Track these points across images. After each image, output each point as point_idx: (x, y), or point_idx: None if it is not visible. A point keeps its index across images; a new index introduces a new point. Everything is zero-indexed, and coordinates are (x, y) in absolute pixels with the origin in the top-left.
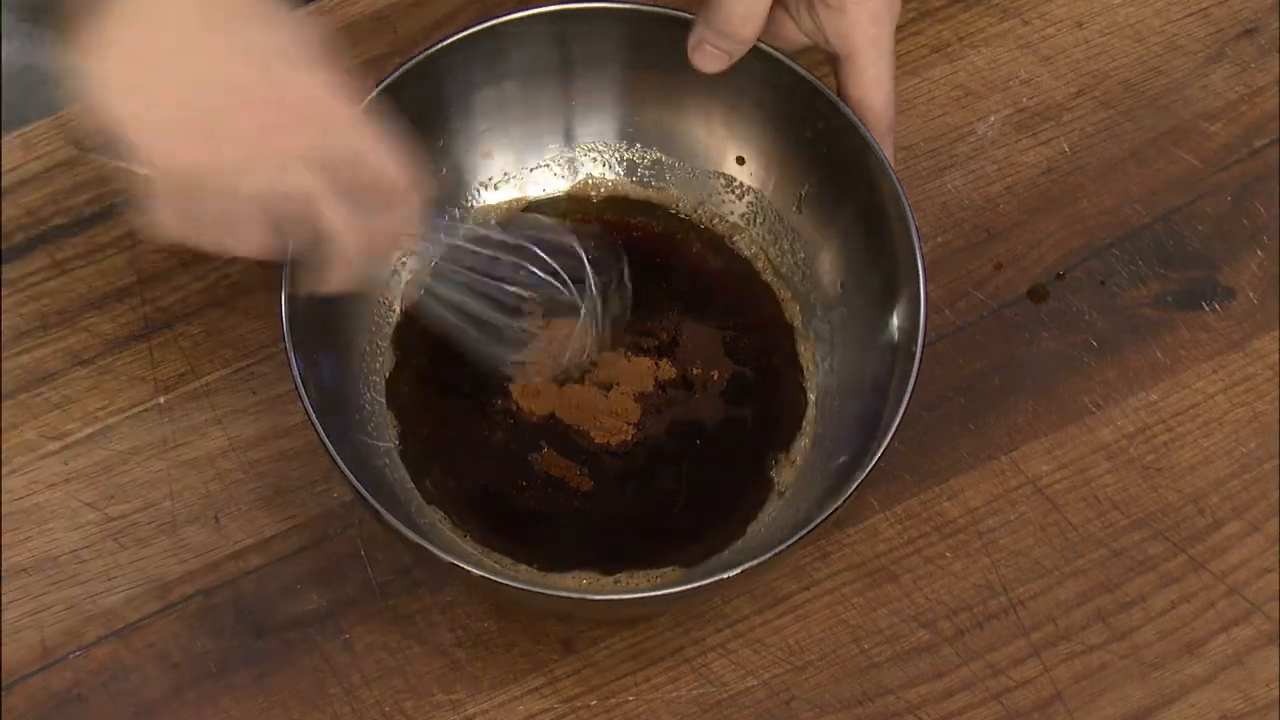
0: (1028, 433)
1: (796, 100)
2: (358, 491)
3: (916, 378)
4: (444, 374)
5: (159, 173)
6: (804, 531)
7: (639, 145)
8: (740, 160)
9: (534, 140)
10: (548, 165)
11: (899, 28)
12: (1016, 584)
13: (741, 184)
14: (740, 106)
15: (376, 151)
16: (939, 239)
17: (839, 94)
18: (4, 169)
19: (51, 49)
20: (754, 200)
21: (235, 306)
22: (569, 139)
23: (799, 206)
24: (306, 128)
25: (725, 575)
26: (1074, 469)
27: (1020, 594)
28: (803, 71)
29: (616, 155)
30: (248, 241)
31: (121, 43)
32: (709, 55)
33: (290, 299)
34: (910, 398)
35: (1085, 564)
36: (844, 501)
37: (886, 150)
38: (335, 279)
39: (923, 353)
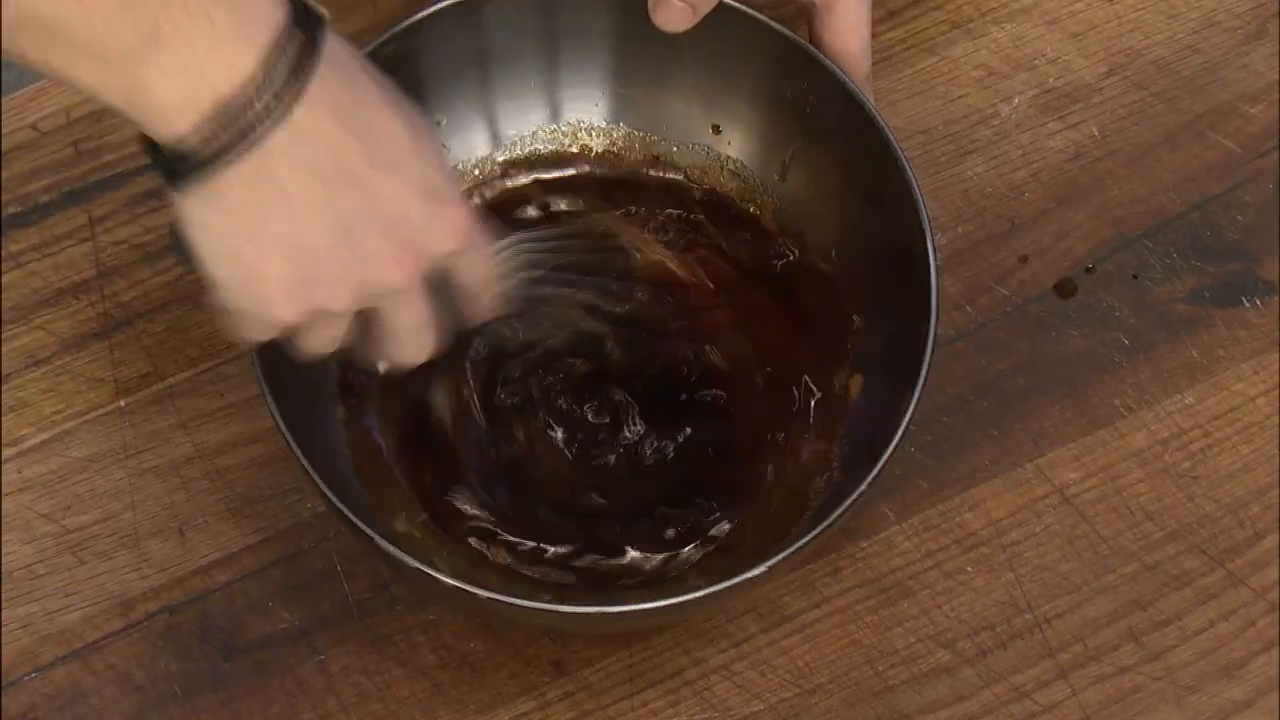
0: (1054, 438)
1: (775, 59)
2: (332, 504)
3: (927, 374)
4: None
5: (247, 320)
6: (802, 541)
7: (621, 123)
8: (716, 129)
9: (518, 116)
10: (531, 135)
11: (915, 2)
12: (1042, 601)
13: (722, 154)
14: (716, 71)
15: (478, 269)
16: (959, 229)
17: (813, 43)
18: None
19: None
20: (737, 169)
21: (201, 302)
22: (555, 115)
23: (783, 174)
24: (415, 262)
25: (717, 588)
26: (1104, 477)
27: (1046, 611)
28: (785, 30)
29: (600, 131)
30: (329, 341)
31: (237, 215)
32: (672, 10)
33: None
34: (920, 398)
35: (1116, 579)
36: (845, 510)
37: (869, 99)
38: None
39: (935, 341)
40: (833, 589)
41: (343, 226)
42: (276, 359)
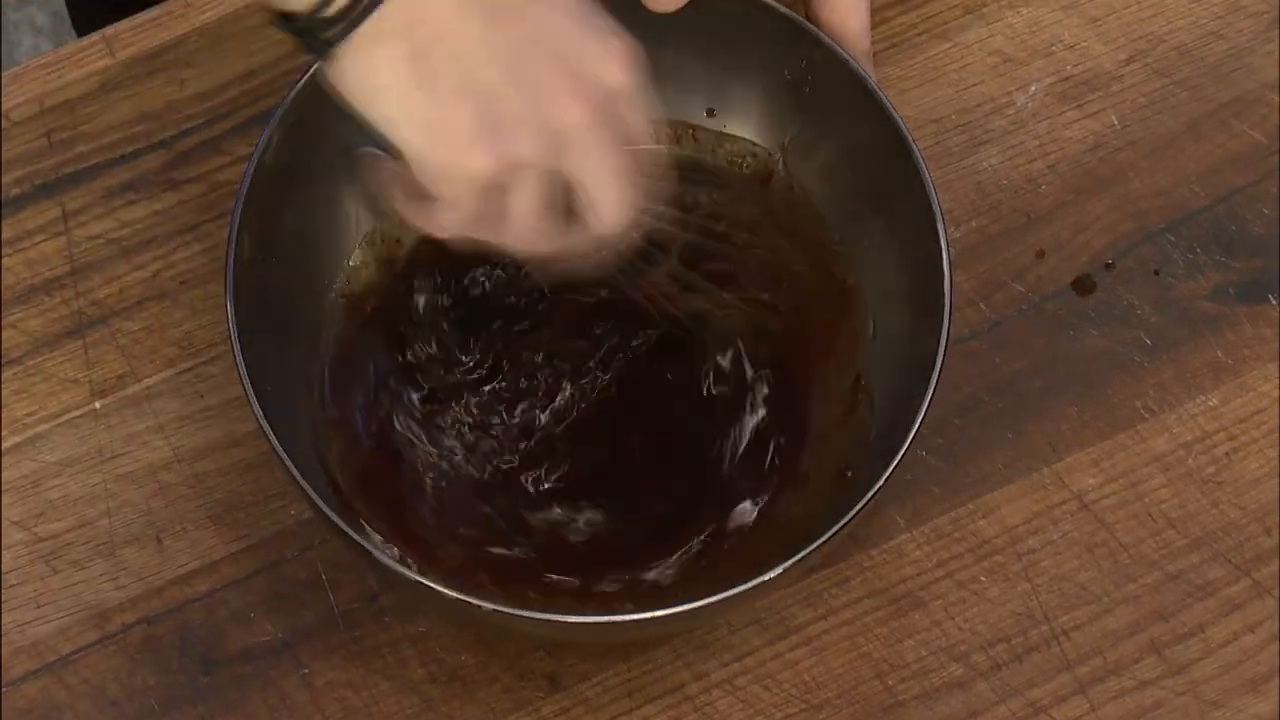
0: (1072, 441)
1: (772, 38)
2: (319, 509)
3: (939, 375)
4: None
5: (445, 179)
6: (809, 549)
7: None
8: (710, 112)
9: None
10: None
11: None
12: (1060, 612)
13: (717, 139)
14: (710, 52)
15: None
16: (973, 223)
17: (809, 19)
18: None
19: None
20: (731, 156)
21: (180, 299)
22: None
23: (782, 159)
24: (598, 117)
25: (719, 596)
26: (1124, 482)
27: (1064, 623)
28: (781, 7)
29: None
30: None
31: (402, 67)
32: None
33: (237, 291)
34: (932, 400)
35: (1137, 589)
36: (853, 516)
37: (871, 77)
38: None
39: (948, 340)
40: (840, 599)
41: (512, 62)
42: (260, 358)
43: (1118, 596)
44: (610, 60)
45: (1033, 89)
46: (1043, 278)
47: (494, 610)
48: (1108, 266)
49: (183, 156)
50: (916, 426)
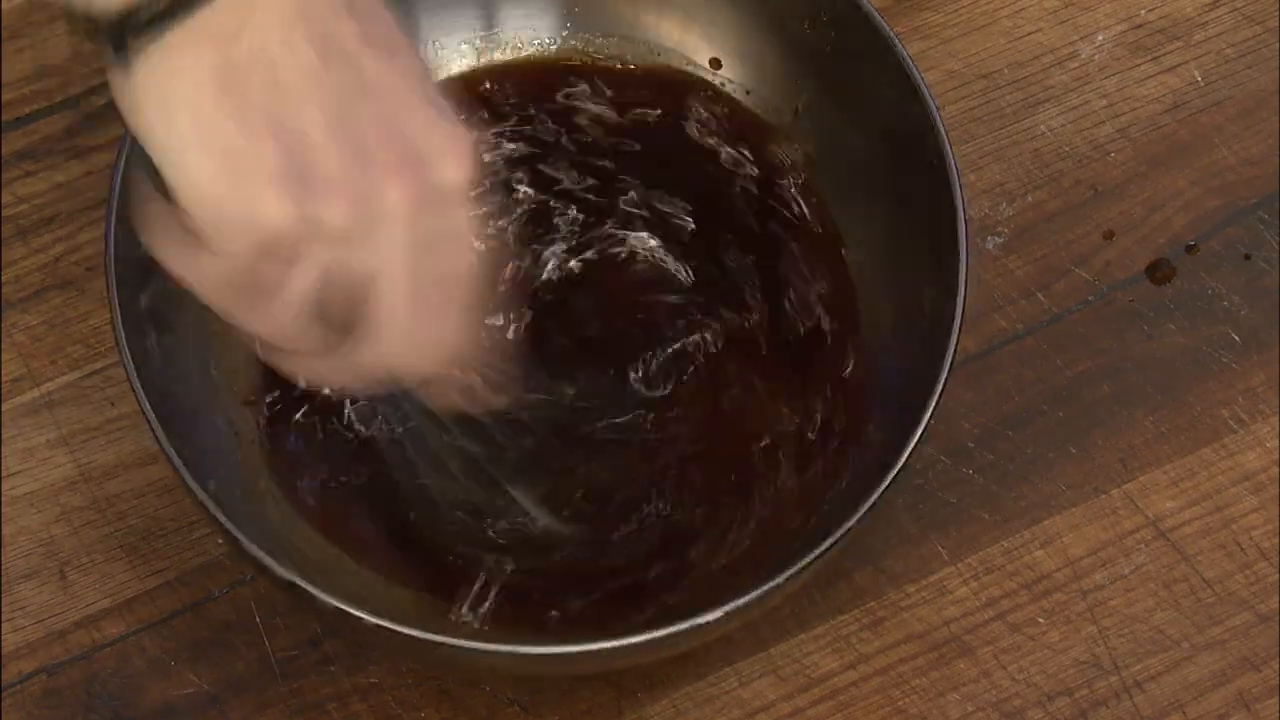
0: (1147, 458)
1: None
2: (238, 543)
3: (949, 373)
4: None
5: (226, 221)
6: (784, 576)
7: (584, 34)
8: (715, 63)
9: (442, 24)
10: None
11: None
12: (1132, 660)
13: (720, 91)
14: None
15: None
16: (1029, 198)
17: None
18: None
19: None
20: (732, 112)
21: (87, 289)
22: (489, 22)
23: (795, 121)
24: (417, 184)
25: (685, 625)
26: (1208, 506)
27: (1137, 673)
28: None
29: (557, 45)
30: (283, 320)
31: (213, 84)
32: None
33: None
34: (940, 401)
35: (1223, 633)
36: (839, 539)
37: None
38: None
39: (965, 307)
40: (872, 645)
41: (338, 109)
42: (166, 356)
43: (1200, 642)
44: (449, 154)
45: (1100, 38)
46: (1112, 263)
47: (424, 640)
48: (1189, 249)
49: (90, 119)
50: (926, 419)
